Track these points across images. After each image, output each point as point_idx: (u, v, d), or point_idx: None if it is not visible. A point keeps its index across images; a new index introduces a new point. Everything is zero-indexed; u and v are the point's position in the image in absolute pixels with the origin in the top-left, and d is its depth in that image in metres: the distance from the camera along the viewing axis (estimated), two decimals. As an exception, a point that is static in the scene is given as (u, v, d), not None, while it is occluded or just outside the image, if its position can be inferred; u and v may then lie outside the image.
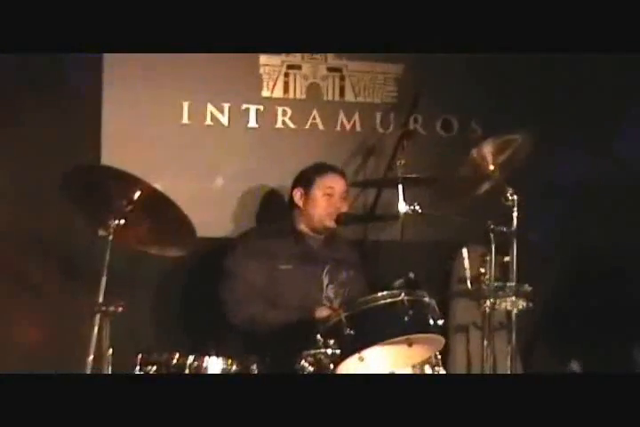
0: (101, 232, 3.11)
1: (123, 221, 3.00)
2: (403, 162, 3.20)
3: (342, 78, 4.15)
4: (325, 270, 3.61)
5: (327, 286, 3.61)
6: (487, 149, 3.16)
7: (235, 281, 3.47)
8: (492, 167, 3.20)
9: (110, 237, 2.97)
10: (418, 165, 3.67)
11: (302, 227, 3.64)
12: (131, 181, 2.99)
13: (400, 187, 3.11)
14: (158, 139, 3.94)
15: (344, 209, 3.60)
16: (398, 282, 3.14)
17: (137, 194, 3.00)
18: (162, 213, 3.02)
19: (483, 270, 3.26)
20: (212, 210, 3.94)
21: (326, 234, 3.66)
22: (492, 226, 3.11)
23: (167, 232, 3.07)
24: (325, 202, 3.59)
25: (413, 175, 3.19)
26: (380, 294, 2.98)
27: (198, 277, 3.87)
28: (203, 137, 4.00)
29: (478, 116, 4.21)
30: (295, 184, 3.67)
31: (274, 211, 4.02)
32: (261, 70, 4.06)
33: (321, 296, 3.57)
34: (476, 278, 3.29)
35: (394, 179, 3.20)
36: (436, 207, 3.26)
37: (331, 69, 4.13)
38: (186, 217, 3.01)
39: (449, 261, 4.05)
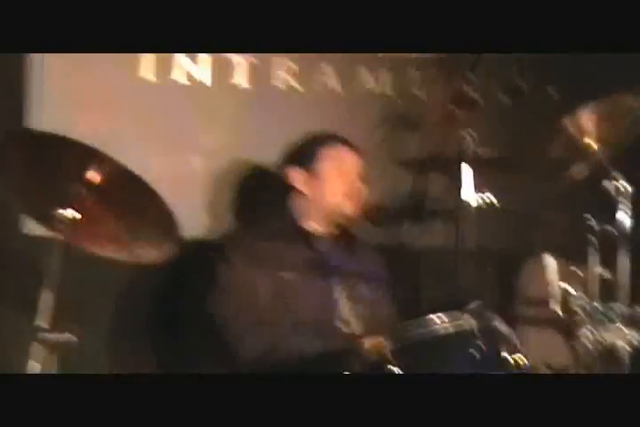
0: (45, 230, 2.90)
1: (77, 215, 2.80)
2: (471, 135, 3.01)
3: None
4: (339, 283, 3.45)
5: (343, 304, 3.45)
6: (587, 117, 3.00)
7: (234, 301, 3.34)
8: (593, 144, 3.04)
9: (60, 238, 2.76)
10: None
11: (309, 222, 3.51)
12: (89, 155, 2.78)
13: (468, 169, 2.92)
14: (107, 102, 3.72)
15: (364, 192, 3.48)
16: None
17: (98, 175, 2.80)
18: (134, 202, 2.84)
19: (568, 288, 3.09)
20: (186, 199, 3.72)
21: (339, 233, 3.52)
22: (593, 224, 2.94)
23: (142, 230, 2.89)
24: (339, 182, 3.46)
25: (487, 155, 3.02)
26: (434, 316, 2.83)
27: (179, 293, 3.71)
28: (171, 99, 3.82)
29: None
30: (291, 163, 3.53)
31: (270, 200, 3.81)
32: (254, 8, 3.89)
33: (334, 318, 3.42)
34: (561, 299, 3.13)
35: (458, 159, 3.00)
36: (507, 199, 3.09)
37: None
38: (167, 208, 2.82)
39: (513, 273, 3.91)
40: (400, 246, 3.84)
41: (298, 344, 3.24)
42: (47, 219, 2.82)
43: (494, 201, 2.94)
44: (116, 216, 2.89)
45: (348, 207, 3.46)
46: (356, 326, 3.42)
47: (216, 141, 3.88)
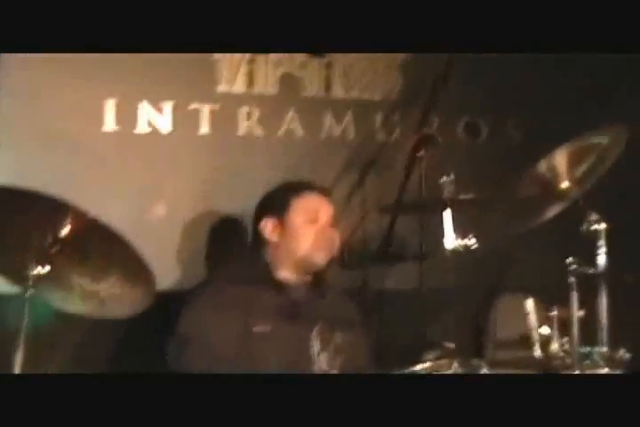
0: (15, 287, 2.82)
1: (47, 269, 2.72)
2: (452, 178, 2.96)
3: (329, 66, 4.00)
4: (315, 332, 3.39)
5: (319, 353, 3.39)
6: (561, 160, 2.96)
7: (195, 350, 3.24)
8: (566, 184, 3.00)
9: (29, 293, 2.68)
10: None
11: (280, 271, 3.44)
12: (57, 208, 2.70)
13: (449, 213, 2.88)
14: (70, 152, 3.68)
15: (337, 242, 3.44)
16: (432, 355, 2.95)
17: (66, 228, 2.73)
18: (106, 256, 2.77)
19: (545, 331, 3.04)
20: (151, 249, 3.67)
21: (312, 280, 3.47)
22: (574, 266, 2.90)
23: (114, 283, 2.81)
24: (310, 231, 3.41)
25: (469, 196, 2.96)
26: (420, 367, 2.81)
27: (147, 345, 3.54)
28: (135, 149, 3.79)
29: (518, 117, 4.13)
30: (262, 212, 3.48)
31: (235, 248, 3.86)
32: (216, 55, 3.84)
33: (310, 368, 3.35)
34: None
35: (439, 201, 2.95)
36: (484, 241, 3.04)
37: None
38: (142, 261, 2.75)
39: (481, 316, 3.88)
40: (372, 290, 3.80)
41: None
42: (15, 274, 2.75)
43: (470, 243, 2.88)
44: (86, 270, 2.81)
45: (319, 257, 3.41)
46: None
47: (180, 189, 3.84)
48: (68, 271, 2.79)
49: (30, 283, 2.69)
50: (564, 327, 3.02)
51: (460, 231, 2.91)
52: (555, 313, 3.05)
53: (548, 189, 3.03)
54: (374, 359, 3.46)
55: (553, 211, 3.13)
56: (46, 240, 2.73)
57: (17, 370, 2.62)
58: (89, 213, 2.73)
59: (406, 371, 2.80)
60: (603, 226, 2.96)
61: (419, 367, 2.80)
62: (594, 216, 2.97)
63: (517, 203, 3.07)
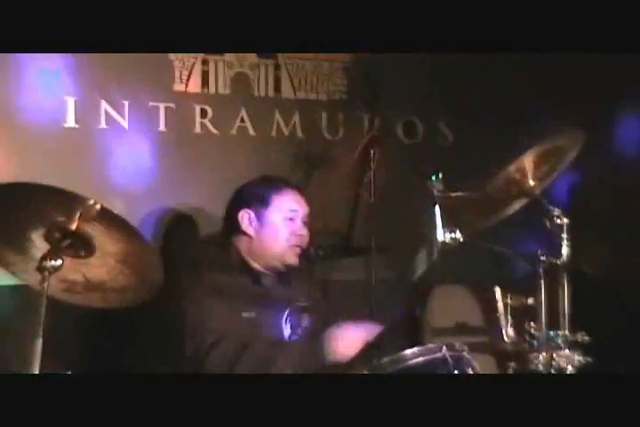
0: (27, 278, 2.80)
1: (59, 262, 2.68)
2: (440, 176, 3.06)
3: (277, 68, 4.07)
4: (285, 316, 3.43)
5: (290, 336, 3.44)
6: (528, 162, 3.09)
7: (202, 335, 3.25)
8: (532, 183, 3.16)
9: (46, 285, 2.64)
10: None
11: (252, 261, 3.45)
12: (68, 201, 2.67)
13: (437, 209, 3.00)
14: (32, 148, 3.70)
15: (306, 239, 3.45)
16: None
17: (75, 222, 2.70)
18: (113, 246, 2.75)
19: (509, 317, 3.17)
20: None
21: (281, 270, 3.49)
22: (542, 257, 3.06)
23: (121, 274, 2.80)
24: (287, 229, 3.42)
25: (459, 193, 3.06)
26: (409, 352, 2.86)
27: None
28: (94, 145, 3.81)
29: (448, 118, 4.27)
30: (240, 204, 3.43)
31: (190, 242, 3.90)
32: (172, 56, 3.89)
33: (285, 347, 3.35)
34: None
35: (430, 198, 3.05)
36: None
37: (263, 56, 4.03)
38: (150, 249, 2.79)
39: (420, 304, 3.96)
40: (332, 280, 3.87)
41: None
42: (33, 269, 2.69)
43: (457, 236, 3.00)
44: (94, 261, 2.79)
45: (292, 257, 3.42)
46: None
47: (136, 185, 3.85)
48: (75, 263, 2.76)
49: (47, 275, 2.64)
50: (516, 314, 3.18)
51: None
52: (508, 301, 3.21)
53: (516, 188, 3.17)
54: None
55: (515, 206, 3.27)
56: (58, 233, 2.69)
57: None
58: (99, 203, 2.69)
59: (396, 357, 2.86)
60: (565, 220, 3.13)
61: (409, 352, 2.85)
62: (556, 211, 3.14)
63: (488, 200, 3.19)
